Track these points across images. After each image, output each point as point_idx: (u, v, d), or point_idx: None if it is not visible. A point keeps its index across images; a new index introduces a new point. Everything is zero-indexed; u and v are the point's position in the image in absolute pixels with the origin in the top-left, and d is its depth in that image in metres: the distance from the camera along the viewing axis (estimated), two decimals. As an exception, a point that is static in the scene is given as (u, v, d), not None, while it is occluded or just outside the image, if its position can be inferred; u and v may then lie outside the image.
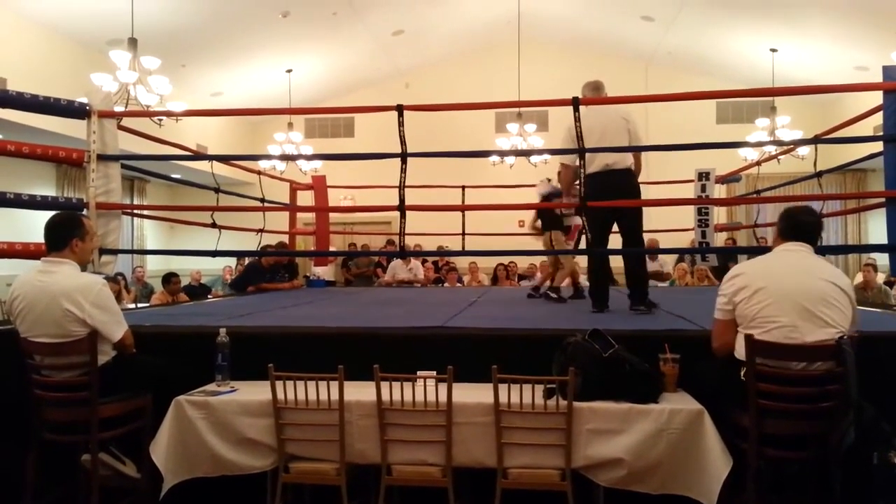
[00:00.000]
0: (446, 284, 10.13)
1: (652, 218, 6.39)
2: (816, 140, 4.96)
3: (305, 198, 8.46)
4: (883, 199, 4.14)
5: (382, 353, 3.24)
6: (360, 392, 2.96)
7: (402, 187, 4.35)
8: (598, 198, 4.33)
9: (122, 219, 5.11)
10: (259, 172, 7.10)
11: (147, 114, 6.84)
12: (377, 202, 5.00)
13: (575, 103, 4.21)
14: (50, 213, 3.30)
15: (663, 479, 2.80)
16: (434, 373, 2.99)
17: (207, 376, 3.31)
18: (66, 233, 3.13)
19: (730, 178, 7.37)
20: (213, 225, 5.15)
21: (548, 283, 5.95)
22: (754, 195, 7.64)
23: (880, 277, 8.62)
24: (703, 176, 6.08)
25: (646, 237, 7.96)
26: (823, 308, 2.72)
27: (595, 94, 4.68)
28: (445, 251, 10.16)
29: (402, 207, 4.35)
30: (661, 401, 2.90)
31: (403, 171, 4.34)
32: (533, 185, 6.70)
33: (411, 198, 4.39)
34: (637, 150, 4.59)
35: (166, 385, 3.20)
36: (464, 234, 7.72)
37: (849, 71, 10.22)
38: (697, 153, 5.18)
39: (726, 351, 2.92)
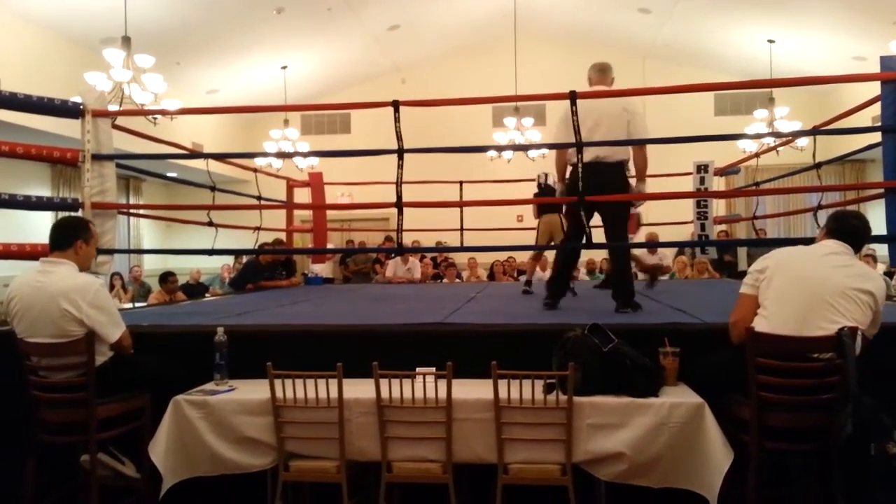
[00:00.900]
0: (445, 280, 10.12)
1: (651, 211, 6.40)
2: (815, 131, 4.94)
3: (302, 195, 8.44)
4: (882, 190, 4.12)
5: (381, 350, 3.23)
6: (359, 389, 2.95)
7: (399, 184, 4.32)
8: (586, 190, 4.21)
9: (118, 218, 5.08)
10: (255, 170, 7.07)
11: (141, 112, 6.81)
12: (375, 199, 4.97)
13: (572, 97, 4.17)
14: (45, 214, 3.29)
15: (664, 472, 2.80)
16: (433, 369, 2.98)
17: (206, 375, 3.30)
18: (72, 234, 3.17)
19: (728, 171, 7.35)
20: (210, 223, 5.13)
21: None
22: (753, 187, 7.62)
23: (880, 268, 8.62)
24: (702, 168, 6.07)
25: (645, 230, 7.95)
26: (842, 301, 2.72)
27: (601, 76, 4.58)
28: (444, 247, 10.14)
29: (399, 204, 4.33)
30: (661, 394, 2.89)
31: (400, 167, 4.32)
32: (532, 180, 6.69)
33: (409, 194, 4.36)
34: (633, 143, 4.51)
35: (165, 385, 3.20)
36: (462, 229, 7.70)
37: (847, 61, 10.20)
38: (696, 146, 5.18)
39: (740, 328, 2.88)
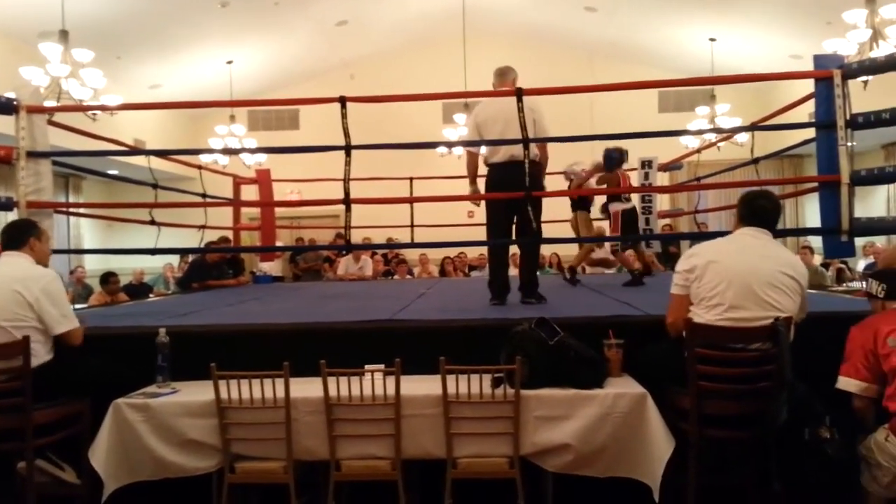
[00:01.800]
0: (396, 277, 10.09)
1: (598, 206, 6.51)
2: (753, 127, 5.10)
3: (250, 192, 8.30)
4: (816, 184, 4.27)
5: (330, 348, 3.20)
6: (306, 388, 2.93)
7: (346, 180, 4.30)
8: (502, 188, 4.38)
9: (56, 218, 4.93)
10: (200, 167, 6.93)
11: (80, 108, 6.61)
12: (325, 196, 4.92)
13: (518, 94, 4.22)
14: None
15: (609, 462, 2.86)
16: (382, 366, 2.97)
17: (148, 378, 3.23)
18: (24, 232, 3.24)
19: (672, 166, 7.53)
20: (152, 222, 5.01)
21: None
22: (695, 182, 7.82)
23: (817, 259, 8.94)
24: (646, 164, 6.20)
25: (594, 224, 8.01)
26: (770, 292, 2.81)
27: (501, 80, 4.72)
28: (395, 244, 10.11)
29: (347, 200, 4.31)
30: (605, 386, 2.95)
31: (348, 163, 4.30)
32: (482, 176, 6.70)
33: (359, 190, 4.35)
34: (585, 139, 4.63)
35: (105, 388, 3.12)
36: (412, 226, 7.69)
37: (784, 59, 10.52)
38: (640, 142, 5.26)
39: (678, 328, 2.97)
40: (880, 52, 6.43)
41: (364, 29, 12.31)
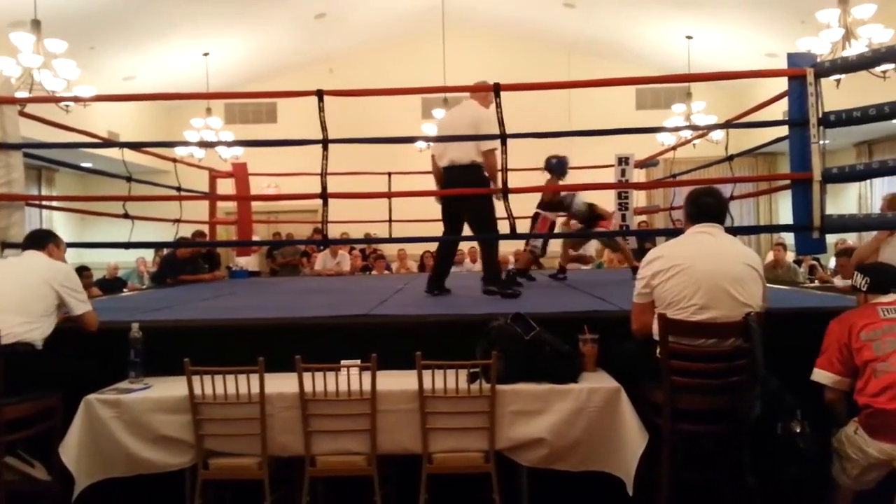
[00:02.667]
0: (374, 272, 10.07)
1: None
2: (727, 125, 5.16)
3: (226, 186, 8.22)
4: (789, 182, 4.33)
5: (306, 343, 3.18)
6: (281, 384, 2.91)
7: (323, 174, 4.28)
8: (445, 188, 4.64)
9: (28, 211, 4.85)
10: (175, 160, 6.85)
11: (52, 99, 6.50)
12: (303, 190, 4.89)
13: (496, 89, 4.23)
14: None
15: (583, 456, 2.88)
16: (358, 361, 2.96)
17: (121, 374, 3.19)
18: (45, 238, 3.59)
19: (648, 163, 7.59)
20: (126, 216, 4.94)
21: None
22: (671, 179, 7.89)
23: (790, 256, 9.06)
24: (623, 161, 6.23)
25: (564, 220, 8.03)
26: (738, 287, 2.84)
27: (471, 92, 4.83)
28: (372, 238, 10.07)
29: (324, 195, 4.28)
30: (580, 380, 2.97)
31: (325, 157, 4.27)
32: None
33: (337, 185, 4.33)
34: (562, 135, 4.66)
35: (76, 384, 3.08)
36: (391, 220, 7.66)
37: (760, 58, 10.64)
38: (618, 138, 5.32)
39: (645, 332, 3.00)
40: (852, 51, 6.53)
41: (343, 22, 12.24)
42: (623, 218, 5.99)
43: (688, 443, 3.03)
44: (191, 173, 7.73)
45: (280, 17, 11.24)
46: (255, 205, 8.59)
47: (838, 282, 6.71)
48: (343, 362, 2.95)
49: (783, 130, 4.39)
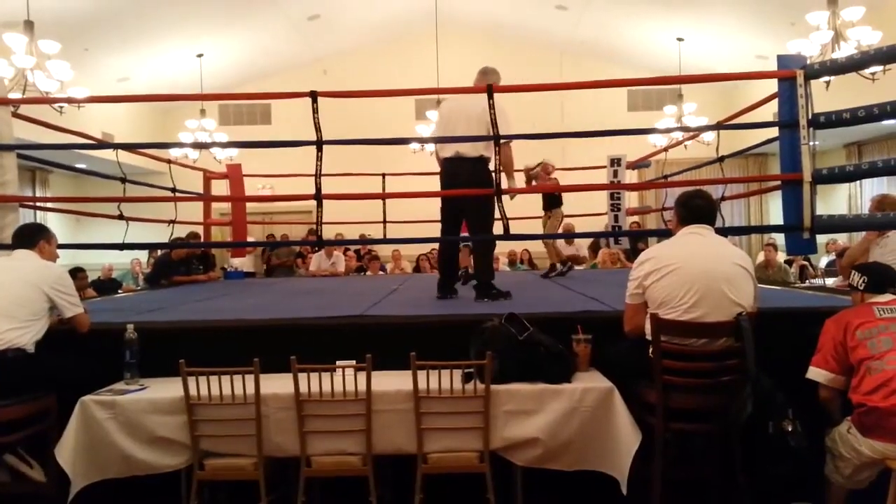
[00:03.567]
0: (369, 273, 10.07)
1: (568, 203, 6.58)
2: (718, 126, 5.19)
3: (221, 187, 8.22)
4: (780, 182, 4.36)
5: (301, 344, 3.20)
6: (277, 385, 2.93)
7: (318, 175, 4.29)
8: (447, 183, 4.55)
9: (21, 212, 4.84)
10: (169, 161, 6.85)
11: (46, 100, 6.48)
12: (297, 191, 4.90)
13: (489, 91, 4.25)
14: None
15: (577, 456, 2.90)
16: (353, 362, 2.98)
17: (117, 375, 3.20)
18: (35, 234, 3.52)
19: (640, 164, 7.63)
20: (121, 217, 4.94)
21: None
22: (662, 180, 7.93)
23: (781, 256, 9.12)
24: (615, 162, 6.28)
25: (564, 221, 8.10)
26: (729, 287, 2.87)
27: (482, 78, 4.72)
28: (367, 239, 10.09)
29: (318, 196, 4.30)
30: (574, 380, 2.99)
31: (319, 159, 4.29)
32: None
33: (332, 186, 4.34)
34: (555, 136, 4.68)
35: (72, 385, 3.08)
36: (385, 221, 7.68)
37: (750, 59, 10.70)
38: (610, 140, 5.34)
39: (638, 333, 3.03)
40: (842, 53, 6.59)
41: (336, 24, 12.25)
42: (616, 219, 6.03)
43: (680, 442, 3.06)
44: (185, 174, 7.71)
45: (274, 18, 11.24)
46: (250, 206, 8.59)
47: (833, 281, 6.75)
48: (338, 363, 2.97)
49: (774, 132, 4.41)
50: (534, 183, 6.24)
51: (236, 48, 12.01)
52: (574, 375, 3.04)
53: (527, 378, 2.97)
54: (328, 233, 4.50)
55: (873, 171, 4.12)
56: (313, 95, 4.21)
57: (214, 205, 8.64)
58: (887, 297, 2.89)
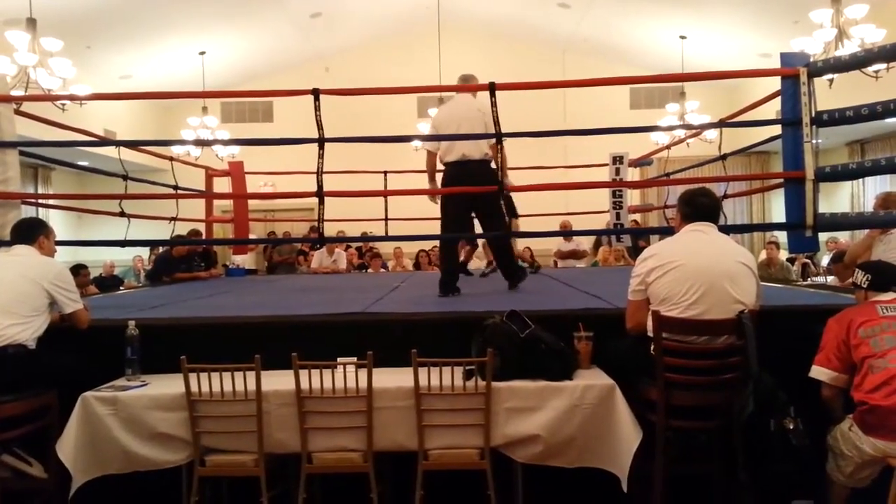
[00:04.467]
0: (370, 270, 10.07)
1: (570, 200, 6.58)
2: (721, 124, 5.18)
3: (223, 185, 8.22)
4: (782, 180, 4.35)
5: (302, 341, 3.21)
6: (278, 381, 2.93)
7: (319, 173, 4.29)
8: (455, 185, 4.61)
9: (24, 209, 4.85)
10: (171, 158, 6.85)
11: (49, 98, 6.50)
12: (298, 189, 4.90)
13: (491, 88, 4.24)
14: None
15: (578, 453, 2.90)
16: (355, 359, 2.98)
17: (118, 371, 3.20)
18: (34, 229, 3.48)
19: (642, 162, 7.61)
20: (122, 214, 4.95)
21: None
22: (665, 178, 7.92)
23: (783, 254, 9.11)
24: (617, 160, 6.26)
25: (560, 219, 8.14)
26: (732, 284, 2.87)
27: (463, 83, 4.82)
28: (369, 237, 10.08)
29: (320, 193, 4.30)
30: (575, 377, 2.99)
31: (321, 156, 4.29)
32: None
33: (334, 183, 4.34)
34: (557, 134, 4.67)
35: (73, 381, 3.08)
36: (387, 219, 7.68)
37: (753, 58, 10.68)
38: (612, 138, 5.34)
39: (640, 330, 3.02)
40: (845, 50, 6.57)
41: (338, 21, 12.24)
42: (617, 216, 6.02)
43: (681, 439, 3.05)
44: (187, 172, 7.72)
45: (276, 16, 11.24)
46: (252, 203, 8.60)
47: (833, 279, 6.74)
48: (339, 360, 2.97)
49: (776, 129, 4.40)
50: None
51: (238, 46, 12.02)
52: (575, 373, 3.04)
53: (528, 375, 2.96)
54: (330, 230, 4.51)
55: (876, 169, 4.11)
56: (315, 93, 4.21)
57: (216, 202, 8.65)
58: (890, 295, 2.89)
